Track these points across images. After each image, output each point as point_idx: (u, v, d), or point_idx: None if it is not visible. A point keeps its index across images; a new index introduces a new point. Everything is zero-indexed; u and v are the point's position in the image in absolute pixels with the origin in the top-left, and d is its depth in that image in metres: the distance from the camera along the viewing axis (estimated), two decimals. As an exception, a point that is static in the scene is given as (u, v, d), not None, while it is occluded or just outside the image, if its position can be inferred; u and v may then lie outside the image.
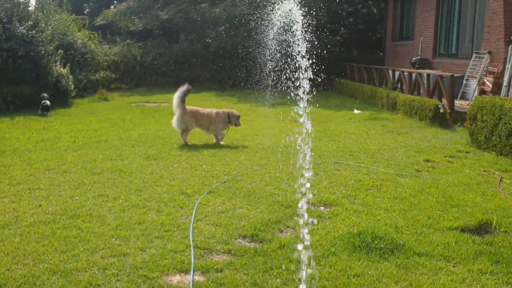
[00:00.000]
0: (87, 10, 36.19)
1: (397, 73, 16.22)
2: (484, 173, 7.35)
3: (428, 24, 17.67)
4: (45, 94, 13.72)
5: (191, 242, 4.57)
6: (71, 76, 16.43)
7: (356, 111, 14.55)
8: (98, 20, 26.99)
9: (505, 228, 5.05)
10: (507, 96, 11.60)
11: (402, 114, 13.27)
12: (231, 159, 8.07)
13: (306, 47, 3.70)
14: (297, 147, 3.62)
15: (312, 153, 4.47)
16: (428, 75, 13.73)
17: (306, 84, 3.61)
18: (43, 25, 16.18)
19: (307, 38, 3.78)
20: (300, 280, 3.70)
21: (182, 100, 9.29)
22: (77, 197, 5.92)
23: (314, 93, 4.34)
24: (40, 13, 16.94)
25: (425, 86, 13.60)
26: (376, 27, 26.10)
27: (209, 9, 22.56)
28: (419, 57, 17.75)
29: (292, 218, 5.25)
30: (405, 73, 15.29)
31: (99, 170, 7.22)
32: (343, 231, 4.86)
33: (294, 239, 4.66)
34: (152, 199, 5.90)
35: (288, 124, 11.73)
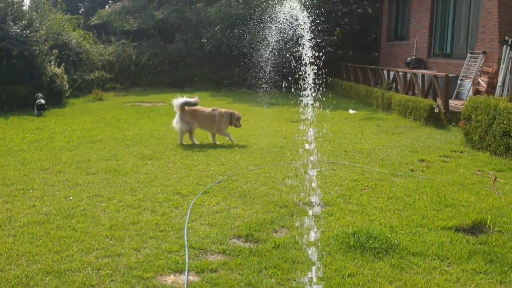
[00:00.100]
0: (82, 9, 36.13)
1: (392, 73, 16.25)
2: (478, 172, 7.37)
3: (423, 24, 17.71)
4: (40, 94, 13.68)
5: (185, 242, 4.56)
6: (65, 76, 16.37)
7: (351, 111, 14.56)
8: (93, 19, 26.95)
9: (499, 227, 5.06)
10: (502, 96, 11.65)
11: (397, 114, 13.29)
12: (226, 159, 8.06)
13: (303, 47, 3.71)
14: (292, 147, 3.62)
15: (307, 153, 4.47)
16: (423, 75, 13.77)
17: (302, 84, 3.62)
18: (38, 25, 16.12)
19: (303, 39, 3.79)
20: (294, 279, 3.69)
21: (182, 106, 9.29)
22: (71, 197, 5.89)
23: (311, 93, 4.35)
24: (34, 13, 16.88)
25: (420, 86, 13.63)
26: (371, 27, 26.14)
27: (204, 9, 22.55)
28: (414, 57, 17.78)
29: (287, 217, 5.26)
30: (400, 73, 15.32)
31: (94, 170, 7.19)
32: (338, 231, 4.86)
33: (289, 239, 4.66)
34: (146, 199, 5.89)
35: (283, 124, 11.74)
